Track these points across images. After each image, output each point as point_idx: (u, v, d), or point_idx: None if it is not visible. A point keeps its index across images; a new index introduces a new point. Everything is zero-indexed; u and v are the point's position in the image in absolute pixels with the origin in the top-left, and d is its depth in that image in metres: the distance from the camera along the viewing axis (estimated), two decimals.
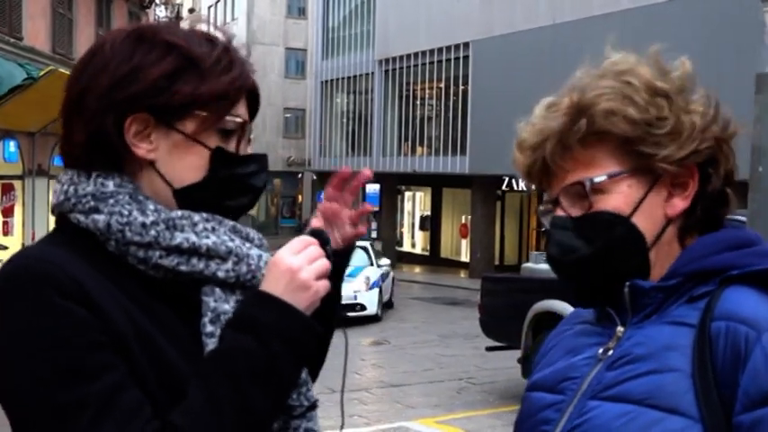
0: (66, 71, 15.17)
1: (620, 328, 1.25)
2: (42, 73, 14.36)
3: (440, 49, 27.16)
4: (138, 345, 1.14)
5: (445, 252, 32.33)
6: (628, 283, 1.23)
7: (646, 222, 1.23)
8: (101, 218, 1.18)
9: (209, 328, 1.20)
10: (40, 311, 1.10)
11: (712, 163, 1.24)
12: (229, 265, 1.22)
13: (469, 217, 28.28)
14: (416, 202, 34.85)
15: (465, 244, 30.14)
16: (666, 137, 1.21)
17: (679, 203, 1.24)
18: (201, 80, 1.21)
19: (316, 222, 1.47)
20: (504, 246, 29.15)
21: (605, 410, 1.18)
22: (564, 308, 8.48)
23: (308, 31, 36.64)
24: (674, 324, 1.20)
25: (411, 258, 32.98)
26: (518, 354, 9.28)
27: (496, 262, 27.76)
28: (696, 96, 1.25)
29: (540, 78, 22.73)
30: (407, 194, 34.89)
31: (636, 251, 1.23)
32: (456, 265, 30.31)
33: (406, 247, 34.41)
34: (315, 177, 36.02)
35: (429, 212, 33.18)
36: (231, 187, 1.26)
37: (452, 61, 26.77)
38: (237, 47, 1.29)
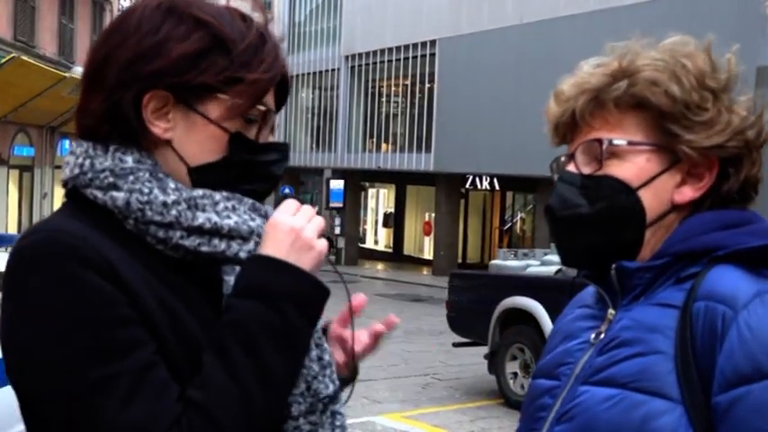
0: (28, 59, 14.92)
1: (611, 311, 1.25)
2: (4, 60, 14.12)
3: (406, 47, 27.16)
4: (165, 319, 1.11)
5: (408, 249, 32.39)
6: (614, 265, 1.22)
7: (651, 201, 1.23)
8: (120, 195, 1.13)
9: None
10: (66, 285, 1.06)
11: (736, 164, 1.24)
12: (251, 245, 1.18)
13: (433, 214, 28.36)
14: (380, 199, 34.86)
15: (428, 241, 30.21)
16: (699, 125, 1.21)
17: (688, 192, 1.23)
18: (229, 65, 1.16)
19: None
20: (467, 244, 29.29)
21: (593, 395, 1.19)
22: (531, 305, 8.54)
23: (274, 25, 36.44)
24: (660, 306, 1.20)
25: (374, 255, 32.99)
26: (485, 350, 9.32)
27: (459, 260, 27.89)
28: (743, 99, 1.25)
29: (506, 77, 22.89)
30: (371, 191, 34.88)
31: (632, 225, 1.23)
32: (419, 262, 30.39)
33: (369, 244, 34.41)
34: None
35: (393, 209, 33.22)
36: (248, 172, 1.22)
37: (419, 59, 26.79)
38: (272, 30, 1.24)
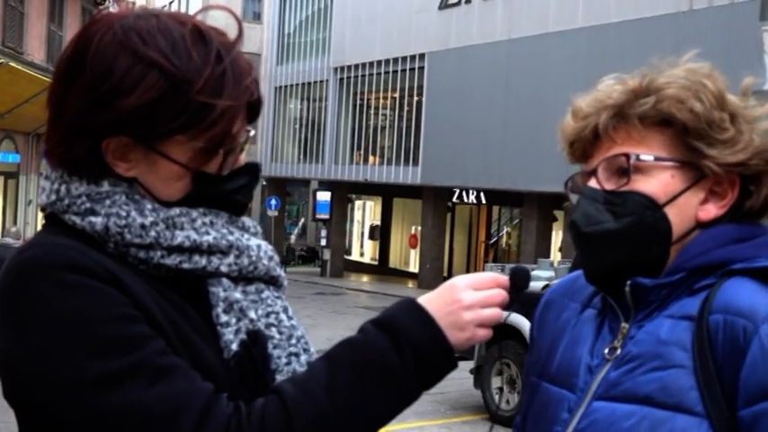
0: (16, 65, 14.87)
1: (624, 325, 1.25)
2: None
3: (395, 60, 27.23)
4: (169, 326, 1.11)
5: (394, 262, 32.35)
6: (629, 282, 1.22)
7: (676, 218, 1.23)
8: (98, 220, 1.13)
9: (224, 318, 1.17)
10: (70, 291, 1.06)
11: (756, 181, 1.25)
12: (231, 258, 1.20)
13: (419, 227, 28.36)
14: (367, 211, 34.85)
15: (414, 254, 30.20)
16: (721, 143, 1.22)
17: (713, 210, 1.24)
18: (186, 107, 1.12)
19: None
20: (452, 257, 29.29)
21: (612, 411, 1.18)
22: (518, 320, 8.53)
23: (264, 35, 36.47)
24: (672, 318, 1.20)
25: (359, 267, 32.93)
26: (470, 365, 9.30)
27: (445, 273, 27.88)
28: (761, 112, 1.26)
29: (494, 92, 22.95)
30: (358, 203, 34.86)
31: (660, 241, 1.23)
32: (404, 275, 30.35)
33: (355, 256, 34.36)
34: (265, 183, 35.84)
35: (379, 222, 33.21)
36: (215, 203, 1.21)
37: (408, 72, 26.86)
38: (235, 49, 1.19)
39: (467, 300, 1.14)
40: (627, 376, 1.19)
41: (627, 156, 1.23)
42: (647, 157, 1.22)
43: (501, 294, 1.17)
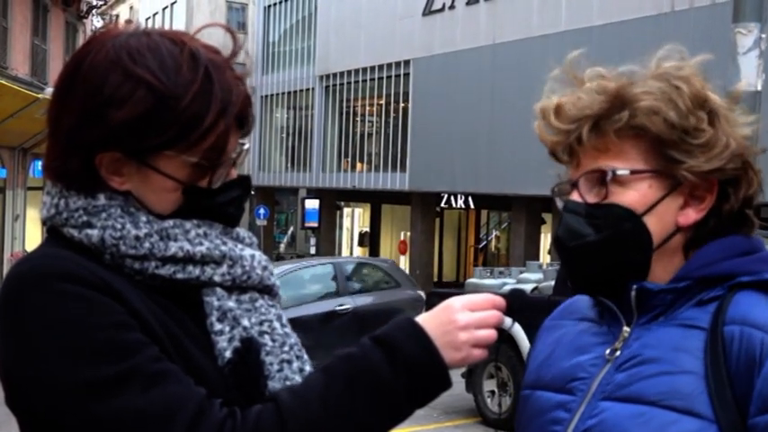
0: (0, 80, 14.82)
1: (625, 328, 1.27)
2: None
3: (380, 66, 27.26)
4: (164, 333, 1.15)
5: None
6: (635, 286, 1.25)
7: (656, 225, 1.25)
8: (94, 232, 1.17)
9: (218, 327, 1.21)
10: (69, 300, 1.10)
11: (734, 183, 1.27)
12: (224, 268, 1.23)
13: (408, 233, 28.37)
14: (356, 218, 34.84)
15: (404, 260, 30.19)
16: (698, 148, 1.23)
17: (692, 215, 1.26)
18: (173, 122, 1.16)
19: None
20: (442, 262, 29.32)
21: (619, 411, 1.20)
22: (507, 324, 8.54)
23: (248, 45, 36.45)
24: (683, 326, 1.23)
25: None
26: (462, 369, 9.32)
27: (435, 278, 27.91)
28: (743, 117, 1.28)
29: (480, 97, 23.00)
30: (347, 210, 34.85)
31: (640, 249, 1.25)
32: None
33: None
34: (253, 192, 35.81)
35: (368, 229, 33.21)
36: (208, 215, 1.25)
37: (393, 78, 26.89)
38: (226, 66, 1.22)
39: (462, 320, 1.17)
40: (636, 378, 1.21)
41: (604, 171, 1.25)
42: (623, 171, 1.24)
43: (496, 315, 1.19)
